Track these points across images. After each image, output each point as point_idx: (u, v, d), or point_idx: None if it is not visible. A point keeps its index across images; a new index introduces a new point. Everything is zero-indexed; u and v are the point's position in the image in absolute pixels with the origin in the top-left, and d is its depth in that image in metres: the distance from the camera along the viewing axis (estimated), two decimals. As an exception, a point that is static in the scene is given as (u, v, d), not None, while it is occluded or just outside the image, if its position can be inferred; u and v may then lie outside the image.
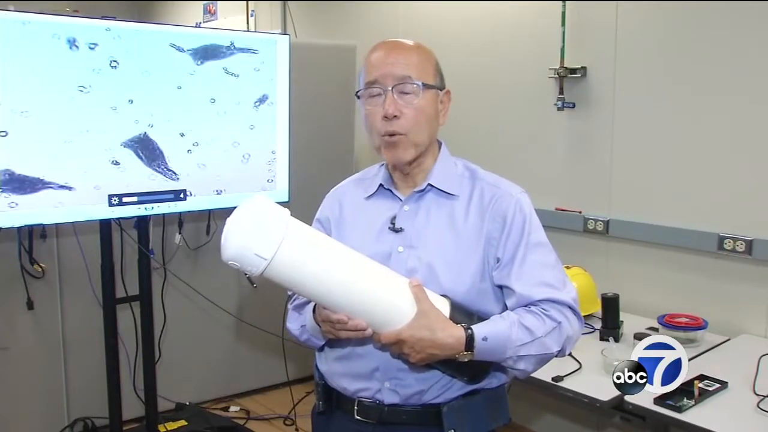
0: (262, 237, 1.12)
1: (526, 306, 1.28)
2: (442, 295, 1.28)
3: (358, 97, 1.37)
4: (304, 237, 1.19)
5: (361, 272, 1.21)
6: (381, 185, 1.40)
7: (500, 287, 1.33)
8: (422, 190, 1.36)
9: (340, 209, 1.44)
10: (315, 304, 1.31)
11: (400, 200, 1.38)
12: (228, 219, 1.16)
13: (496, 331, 1.23)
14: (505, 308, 1.33)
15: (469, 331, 1.22)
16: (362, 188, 1.44)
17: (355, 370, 1.34)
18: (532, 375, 1.33)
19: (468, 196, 1.36)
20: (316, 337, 1.37)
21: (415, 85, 1.30)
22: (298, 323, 1.42)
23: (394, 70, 1.30)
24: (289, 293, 1.47)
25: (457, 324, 1.23)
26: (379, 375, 1.32)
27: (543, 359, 1.28)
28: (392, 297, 1.22)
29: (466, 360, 1.23)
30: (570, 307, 1.29)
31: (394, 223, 1.35)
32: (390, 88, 1.29)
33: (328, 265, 1.18)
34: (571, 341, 1.30)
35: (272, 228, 1.13)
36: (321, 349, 1.42)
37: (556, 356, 1.29)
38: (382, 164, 1.43)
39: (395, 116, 1.29)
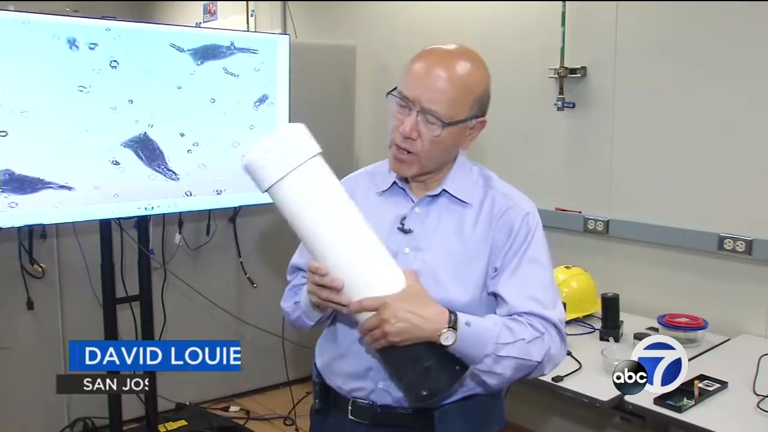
0: (290, 151, 1.16)
1: (511, 316, 1.27)
2: None
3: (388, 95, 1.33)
4: (325, 173, 1.21)
5: (364, 233, 1.20)
6: (395, 183, 1.38)
7: (494, 295, 1.32)
8: (436, 195, 1.35)
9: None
10: None
11: (413, 201, 1.37)
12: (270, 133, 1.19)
13: (480, 322, 1.21)
14: None
15: (453, 315, 1.19)
16: (374, 183, 1.42)
17: (350, 368, 1.35)
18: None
19: (479, 204, 1.34)
20: (306, 316, 1.36)
21: (438, 119, 1.25)
22: (291, 301, 1.41)
23: (425, 96, 1.24)
24: (288, 278, 1.47)
25: None
26: (372, 374, 1.32)
27: (522, 366, 1.23)
28: (384, 267, 1.20)
29: (449, 343, 1.17)
30: (555, 326, 1.27)
31: (403, 224, 1.35)
32: (417, 110, 1.26)
33: (334, 208, 1.19)
34: (552, 359, 1.27)
35: (302, 147, 1.18)
36: (322, 348, 1.43)
37: (535, 370, 1.26)
38: None
39: (411, 137, 1.27)
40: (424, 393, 1.19)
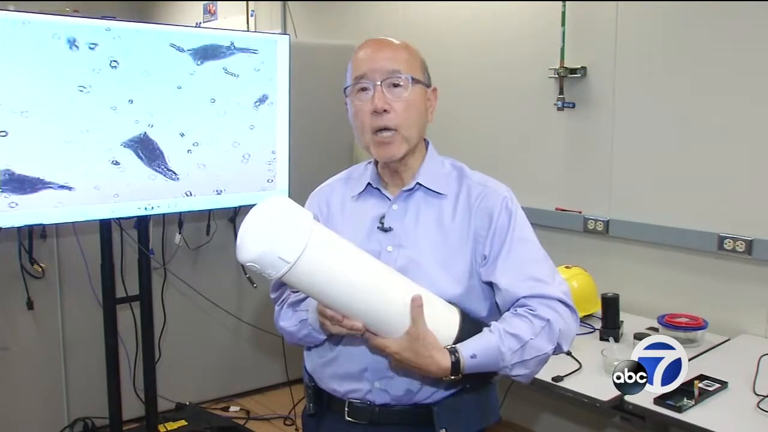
0: (287, 240, 1.08)
1: (513, 303, 1.27)
2: (453, 304, 1.27)
3: (346, 94, 1.35)
4: (327, 242, 1.16)
5: (379, 282, 1.20)
6: (369, 184, 1.39)
7: (489, 284, 1.32)
8: (411, 189, 1.36)
9: (328, 208, 1.42)
10: None
11: (389, 199, 1.37)
12: (246, 218, 1.14)
13: (485, 346, 1.22)
14: (494, 306, 1.33)
15: (455, 356, 1.20)
16: (349, 187, 1.43)
17: (344, 370, 1.34)
18: (532, 375, 1.32)
19: (455, 194, 1.36)
20: (317, 331, 1.34)
21: (404, 78, 1.30)
22: (295, 319, 1.37)
23: (382, 65, 1.30)
24: (273, 296, 1.45)
25: (465, 335, 1.23)
26: (368, 375, 1.32)
27: (539, 361, 1.25)
28: (397, 311, 1.20)
29: (454, 379, 1.22)
30: (560, 301, 1.27)
31: (382, 223, 1.35)
32: (379, 83, 1.29)
33: (348, 273, 1.16)
34: (565, 336, 1.27)
35: (297, 231, 1.10)
36: (309, 349, 1.41)
37: (553, 354, 1.27)
38: (369, 162, 1.42)
39: (385, 110, 1.28)
40: (468, 385, 1.31)
